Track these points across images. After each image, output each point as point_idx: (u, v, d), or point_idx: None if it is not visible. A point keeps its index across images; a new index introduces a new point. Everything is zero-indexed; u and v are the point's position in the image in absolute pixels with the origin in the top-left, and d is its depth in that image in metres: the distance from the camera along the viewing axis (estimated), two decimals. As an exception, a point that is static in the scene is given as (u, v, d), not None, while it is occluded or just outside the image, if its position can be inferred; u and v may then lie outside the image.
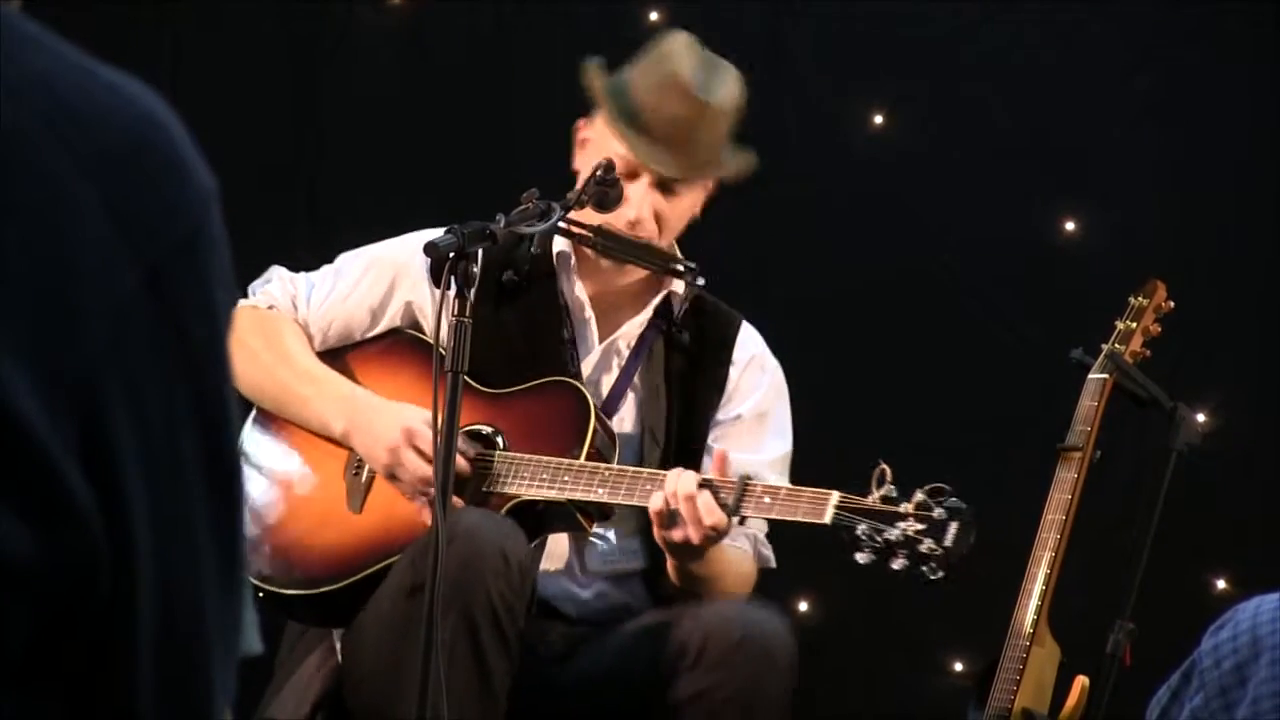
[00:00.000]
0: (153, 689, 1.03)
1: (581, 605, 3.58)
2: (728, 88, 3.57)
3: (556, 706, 3.48)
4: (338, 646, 3.49)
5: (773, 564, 3.65)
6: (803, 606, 5.04)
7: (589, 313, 3.61)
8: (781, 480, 3.61)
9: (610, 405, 3.60)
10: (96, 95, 1.03)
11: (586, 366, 3.61)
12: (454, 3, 5.18)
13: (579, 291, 3.61)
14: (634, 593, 3.60)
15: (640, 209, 3.51)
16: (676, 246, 3.63)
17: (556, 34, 4.79)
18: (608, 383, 3.62)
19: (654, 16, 4.90)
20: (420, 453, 3.44)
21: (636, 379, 3.60)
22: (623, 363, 3.62)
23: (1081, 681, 3.80)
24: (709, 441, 3.62)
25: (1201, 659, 2.28)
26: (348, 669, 3.42)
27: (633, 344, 3.62)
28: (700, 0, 4.95)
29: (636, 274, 3.60)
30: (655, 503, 3.31)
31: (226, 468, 1.06)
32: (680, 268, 3.54)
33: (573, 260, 3.61)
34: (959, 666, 5.02)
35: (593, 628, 3.54)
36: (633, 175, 3.53)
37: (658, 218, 3.54)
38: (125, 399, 1.00)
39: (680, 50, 3.58)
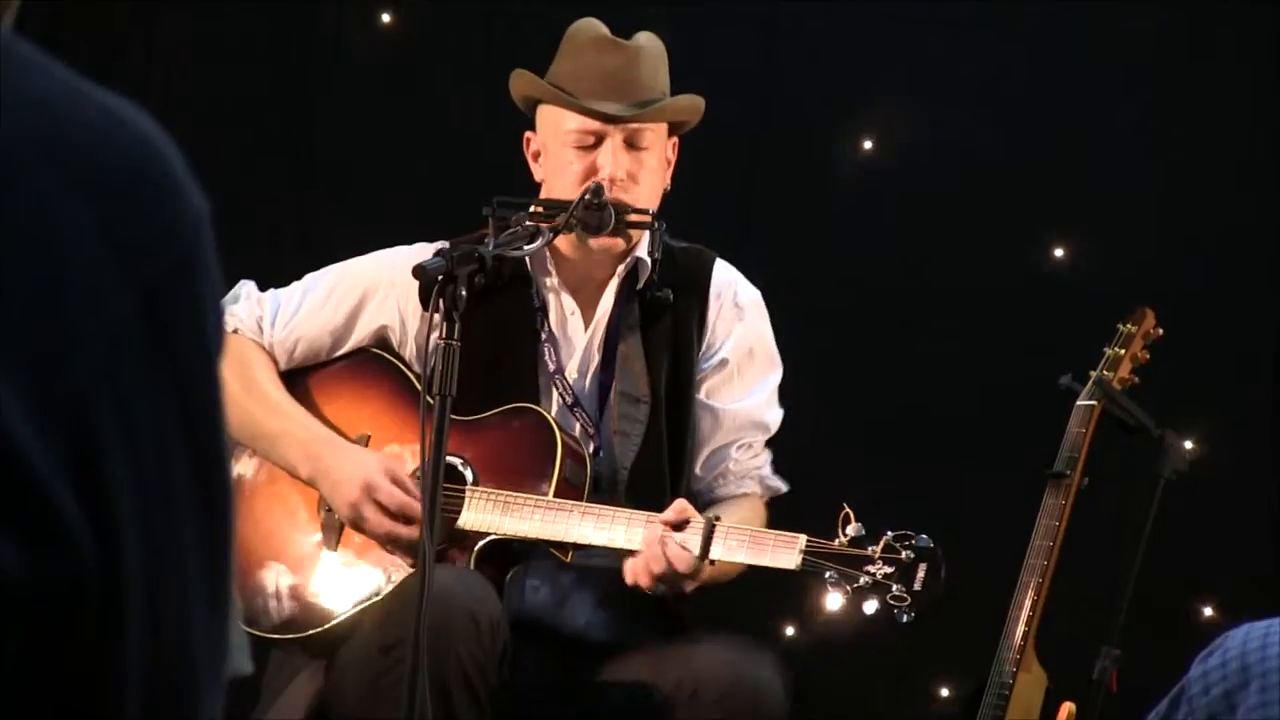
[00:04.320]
0: (140, 709, 1.03)
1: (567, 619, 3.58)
2: (647, 35, 3.65)
3: None
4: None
5: (784, 489, 3.69)
6: (789, 631, 5.04)
7: (570, 304, 3.61)
8: (774, 411, 3.68)
9: (600, 389, 3.60)
10: (92, 119, 1.03)
11: (572, 358, 3.61)
12: (445, 23, 5.19)
13: (557, 285, 3.62)
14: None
15: (614, 170, 3.52)
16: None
17: (548, 54, 4.80)
18: (592, 368, 3.61)
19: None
20: (381, 508, 3.44)
21: (621, 348, 3.60)
22: (601, 342, 3.62)
23: (1068, 708, 3.80)
24: (700, 396, 3.64)
25: (1190, 686, 2.28)
26: (331, 701, 3.42)
27: (608, 320, 3.62)
28: (693, 23, 4.96)
29: (607, 254, 3.59)
30: (629, 578, 3.34)
31: (217, 490, 1.06)
32: (642, 219, 3.53)
33: (546, 256, 3.60)
34: (945, 692, 5.01)
35: (579, 659, 3.53)
36: (598, 141, 3.55)
37: (630, 177, 3.55)
38: (117, 421, 1.00)
39: (591, 24, 3.65)
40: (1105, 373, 3.91)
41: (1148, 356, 3.96)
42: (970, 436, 5.00)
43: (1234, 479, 4.87)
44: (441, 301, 3.06)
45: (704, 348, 3.65)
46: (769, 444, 3.72)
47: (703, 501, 3.60)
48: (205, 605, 1.06)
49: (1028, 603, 3.78)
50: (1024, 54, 5.10)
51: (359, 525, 3.48)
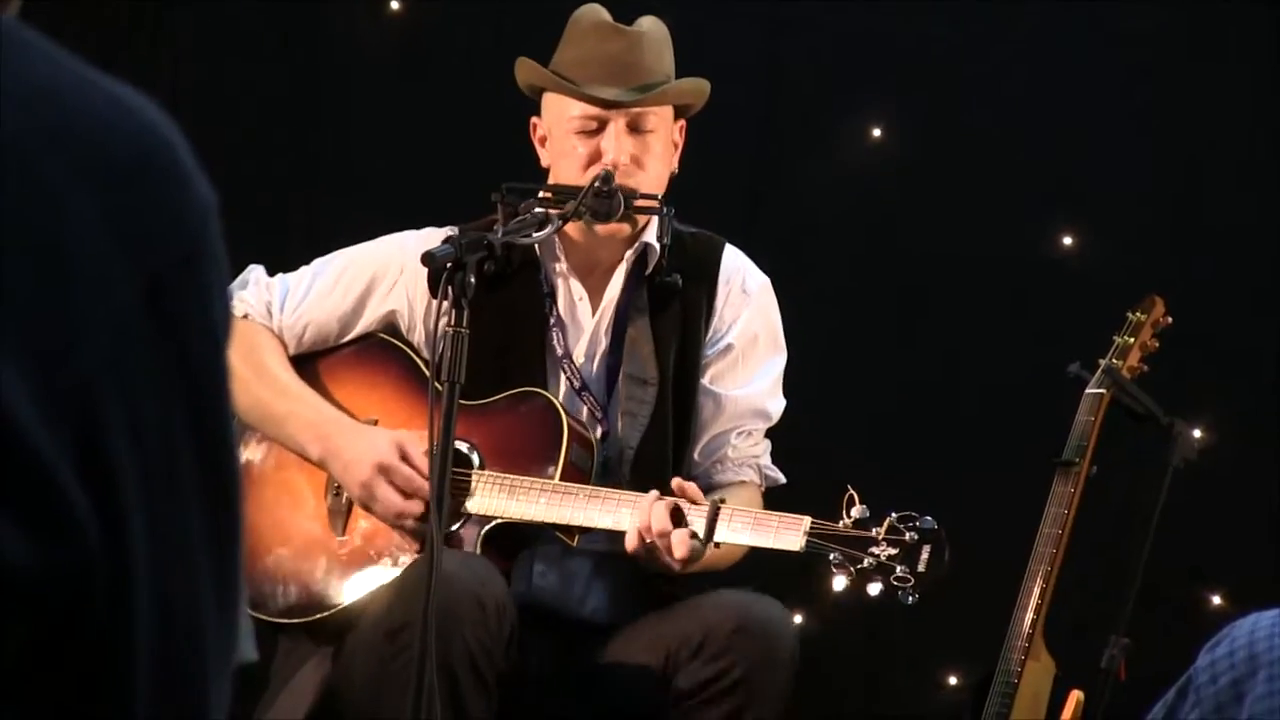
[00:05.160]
0: (148, 700, 1.02)
1: (574, 598, 3.58)
2: (651, 20, 3.65)
3: (557, 706, 3.48)
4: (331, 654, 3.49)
5: (783, 480, 3.69)
6: (798, 619, 5.04)
7: (579, 289, 3.61)
8: (777, 400, 3.67)
9: (607, 373, 3.60)
10: (99, 108, 1.03)
11: (580, 344, 3.61)
12: (453, 11, 5.18)
13: (566, 270, 3.62)
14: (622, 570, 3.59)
15: (618, 154, 3.52)
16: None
17: (557, 42, 4.80)
18: (600, 352, 3.61)
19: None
20: (393, 488, 3.44)
21: (630, 332, 3.60)
22: (609, 327, 3.62)
23: (1076, 696, 3.80)
24: (704, 381, 3.64)
25: (1198, 675, 2.28)
26: (338, 688, 3.42)
27: (615, 306, 3.62)
28: (699, 17, 4.95)
29: (614, 238, 3.59)
30: (630, 541, 3.33)
31: (224, 479, 1.06)
32: (650, 204, 3.53)
33: (555, 242, 3.60)
34: (954, 680, 5.01)
35: (585, 643, 3.54)
36: (602, 126, 3.55)
37: (635, 161, 3.55)
38: (123, 409, 1.00)
39: (594, 9, 3.65)
40: (1114, 361, 3.91)
41: (1157, 345, 3.96)
42: (979, 425, 4.99)
43: (1243, 467, 4.87)
44: (450, 289, 3.06)
45: (711, 333, 3.65)
46: (771, 435, 3.72)
47: (700, 488, 3.61)
48: (214, 592, 1.06)
49: (1036, 591, 3.78)
50: (1034, 40, 5.10)
51: (370, 505, 3.48)
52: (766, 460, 3.70)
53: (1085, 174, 5.09)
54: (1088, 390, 3.89)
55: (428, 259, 3.09)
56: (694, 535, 3.32)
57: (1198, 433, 4.17)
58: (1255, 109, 5.03)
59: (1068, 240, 5.05)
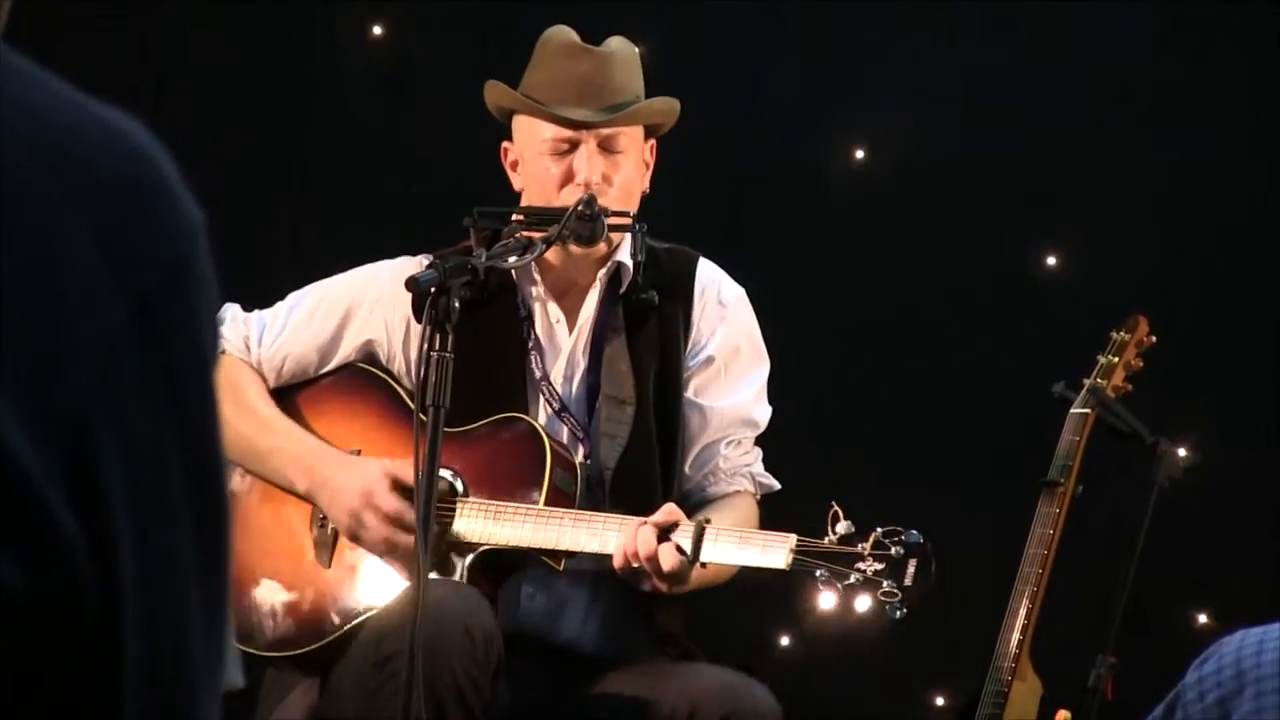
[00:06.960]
0: (138, 720, 1.03)
1: (564, 630, 3.58)
2: (619, 40, 3.65)
3: None
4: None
5: (777, 486, 3.69)
6: (784, 641, 5.04)
7: (555, 311, 3.61)
8: (763, 407, 3.67)
9: (587, 394, 3.59)
10: (87, 129, 1.03)
11: (557, 366, 3.60)
12: (436, 36, 5.19)
13: (542, 292, 3.61)
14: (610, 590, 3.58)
15: (590, 174, 3.52)
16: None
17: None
18: (579, 373, 3.61)
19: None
20: (381, 515, 3.43)
21: (607, 351, 3.59)
22: (587, 347, 3.61)
23: (1063, 716, 3.80)
24: (688, 394, 3.63)
25: (1185, 692, 2.28)
26: (326, 716, 3.41)
27: (592, 326, 3.62)
28: (683, 38, 4.96)
29: (588, 259, 3.59)
30: (617, 561, 3.33)
31: (213, 500, 1.06)
32: (623, 221, 3.52)
33: (532, 266, 3.59)
34: (940, 701, 5.01)
35: (573, 671, 3.53)
36: (573, 147, 3.55)
37: (607, 180, 3.55)
38: (113, 431, 1.00)
39: (562, 31, 3.65)
40: (1099, 380, 3.91)
41: (1141, 364, 3.96)
42: (964, 444, 5.00)
43: (1228, 485, 4.87)
44: (435, 313, 3.06)
45: (690, 346, 3.64)
46: (760, 444, 3.72)
47: (694, 501, 3.60)
48: (203, 614, 1.06)
49: (1022, 611, 3.78)
50: (1018, 60, 5.11)
51: (357, 534, 3.46)
52: (759, 468, 3.69)
53: (1067, 194, 5.10)
54: (1072, 410, 3.89)
55: (412, 284, 3.09)
56: (680, 551, 3.31)
57: (1183, 451, 4.17)
58: (1246, 132, 5.04)
59: (1051, 260, 5.06)
